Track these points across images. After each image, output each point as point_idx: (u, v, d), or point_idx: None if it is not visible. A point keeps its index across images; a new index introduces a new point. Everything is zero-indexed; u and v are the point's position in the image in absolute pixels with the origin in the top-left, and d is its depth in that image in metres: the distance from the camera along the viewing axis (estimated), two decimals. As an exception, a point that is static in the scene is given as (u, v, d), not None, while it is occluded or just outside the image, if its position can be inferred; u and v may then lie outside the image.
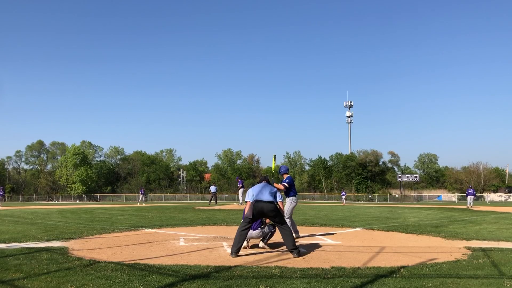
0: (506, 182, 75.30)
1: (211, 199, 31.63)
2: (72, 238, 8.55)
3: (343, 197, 48.29)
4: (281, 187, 8.88)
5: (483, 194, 63.03)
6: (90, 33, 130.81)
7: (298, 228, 9.48)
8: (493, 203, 49.39)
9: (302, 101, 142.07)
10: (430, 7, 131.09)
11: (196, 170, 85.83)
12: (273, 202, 6.80)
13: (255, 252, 6.97)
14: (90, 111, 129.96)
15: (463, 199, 58.97)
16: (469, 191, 31.03)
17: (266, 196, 6.81)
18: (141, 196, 40.03)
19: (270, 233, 7.41)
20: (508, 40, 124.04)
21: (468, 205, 29.75)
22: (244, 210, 6.96)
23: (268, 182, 7.27)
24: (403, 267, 5.50)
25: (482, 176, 72.00)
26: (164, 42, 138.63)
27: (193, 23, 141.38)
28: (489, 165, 75.93)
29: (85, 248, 7.27)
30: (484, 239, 8.83)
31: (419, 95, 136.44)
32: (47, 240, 8.12)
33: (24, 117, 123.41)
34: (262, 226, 7.39)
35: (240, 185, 26.91)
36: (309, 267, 5.49)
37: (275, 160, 11.31)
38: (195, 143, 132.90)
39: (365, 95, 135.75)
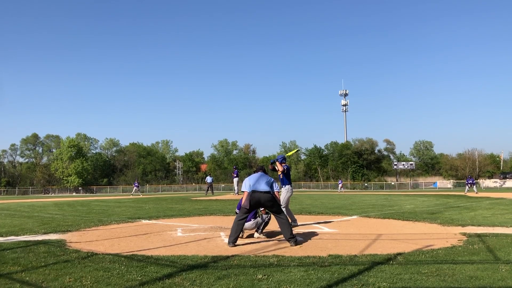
0: (501, 168, 75.79)
1: (207, 190, 31.68)
2: (69, 231, 8.54)
3: (340, 185, 48.42)
4: (281, 168, 8.97)
5: (478, 180, 63.44)
6: (83, 24, 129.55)
7: (296, 217, 9.52)
8: (488, 189, 49.74)
9: (297, 90, 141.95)
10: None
11: (192, 161, 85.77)
12: (270, 192, 6.81)
13: (252, 241, 7.00)
14: (85, 103, 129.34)
15: (458, 185, 59.42)
16: (468, 181, 31.41)
17: (263, 186, 6.81)
18: (134, 188, 39.40)
19: (264, 223, 7.43)
20: (503, 24, 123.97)
21: (465, 192, 30.12)
22: (241, 200, 6.97)
23: (265, 172, 7.28)
24: (399, 254, 5.54)
25: (477, 162, 72.42)
26: (158, 33, 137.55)
27: (187, 11, 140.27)
28: (484, 151, 76.49)
29: (82, 240, 7.27)
30: (479, 225, 8.90)
31: (414, 82, 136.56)
32: (44, 233, 8.11)
33: (18, 110, 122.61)
34: (255, 217, 7.41)
35: (235, 174, 26.92)
36: (306, 256, 5.52)
37: (295, 152, 11.48)
38: (191, 134, 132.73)
39: (360, 83, 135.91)
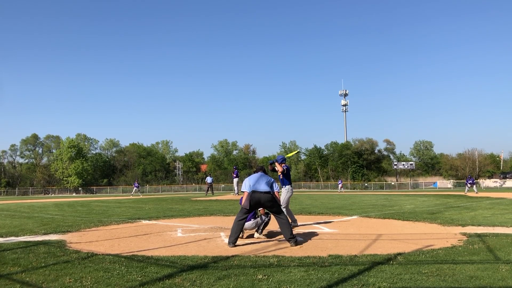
0: (501, 168, 75.75)
1: (207, 190, 31.68)
2: (70, 231, 8.54)
3: (340, 185, 48.35)
4: (281, 168, 8.95)
5: (478, 180, 63.39)
6: (83, 24, 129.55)
7: (296, 217, 9.52)
8: (488, 189, 49.73)
9: (297, 90, 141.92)
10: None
11: (192, 161, 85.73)
12: (270, 193, 6.81)
13: (252, 241, 7.00)
14: (85, 103, 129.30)
15: (458, 185, 59.40)
16: (468, 181, 31.49)
17: (263, 187, 6.82)
18: (134, 189, 39.58)
19: (264, 223, 7.43)
20: (502, 23, 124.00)
21: (465, 192, 30.26)
22: (241, 200, 6.97)
23: (265, 172, 7.28)
24: (399, 254, 5.54)
25: (477, 162, 72.39)
26: (158, 33, 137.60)
27: (187, 11, 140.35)
28: (484, 151, 76.41)
29: (82, 241, 7.27)
30: (479, 225, 8.90)
31: (414, 82, 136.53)
32: (44, 234, 8.11)
33: (18, 111, 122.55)
34: (255, 217, 7.41)
35: (235, 175, 26.85)
36: (306, 256, 5.52)
37: (295, 154, 11.39)
38: (191, 135, 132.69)
39: (360, 83, 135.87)
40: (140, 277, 4.37)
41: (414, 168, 74.42)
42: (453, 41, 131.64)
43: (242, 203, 6.82)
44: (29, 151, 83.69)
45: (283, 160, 9.25)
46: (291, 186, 9.21)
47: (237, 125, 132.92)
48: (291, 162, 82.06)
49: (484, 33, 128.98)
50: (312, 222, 10.03)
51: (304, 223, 9.73)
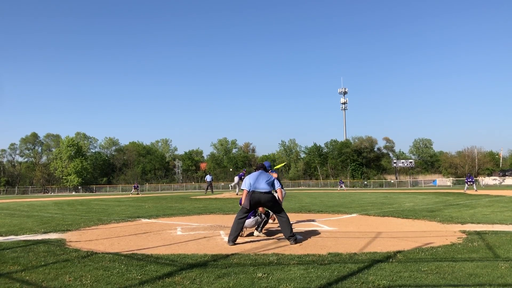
0: (500, 166, 75.82)
1: (207, 188, 31.69)
2: (69, 230, 8.54)
3: (341, 185, 48.17)
4: (275, 175, 8.90)
5: (477, 178, 63.42)
6: (82, 24, 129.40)
7: (295, 215, 9.52)
8: (487, 186, 49.79)
9: (296, 88, 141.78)
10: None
11: (192, 159, 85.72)
12: (270, 192, 6.80)
13: (252, 240, 7.01)
14: (85, 102, 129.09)
15: (457, 183, 59.46)
16: (467, 180, 31.64)
17: (263, 186, 6.80)
18: (133, 190, 39.70)
19: (263, 222, 7.44)
20: (502, 21, 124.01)
21: (465, 190, 30.39)
22: (241, 199, 6.97)
23: (265, 170, 7.27)
24: (399, 251, 5.55)
25: (476, 160, 72.43)
26: (157, 32, 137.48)
27: (186, 10, 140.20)
28: (483, 149, 76.44)
29: (82, 239, 7.27)
30: (478, 223, 8.92)
31: (413, 80, 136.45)
32: (44, 233, 8.12)
33: (17, 109, 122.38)
34: (255, 215, 7.42)
35: (238, 177, 26.77)
36: (306, 254, 5.52)
37: (282, 166, 11.27)
38: (190, 133, 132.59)
39: (359, 81, 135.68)
40: (139, 276, 4.37)
41: (413, 166, 74.44)
42: (452, 38, 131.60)
43: (242, 203, 6.82)
44: (28, 150, 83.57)
45: (269, 167, 9.16)
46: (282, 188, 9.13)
47: (236, 123, 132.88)
48: (290, 160, 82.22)
49: (484, 31, 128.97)
50: (311, 220, 10.05)
51: (303, 221, 9.74)
